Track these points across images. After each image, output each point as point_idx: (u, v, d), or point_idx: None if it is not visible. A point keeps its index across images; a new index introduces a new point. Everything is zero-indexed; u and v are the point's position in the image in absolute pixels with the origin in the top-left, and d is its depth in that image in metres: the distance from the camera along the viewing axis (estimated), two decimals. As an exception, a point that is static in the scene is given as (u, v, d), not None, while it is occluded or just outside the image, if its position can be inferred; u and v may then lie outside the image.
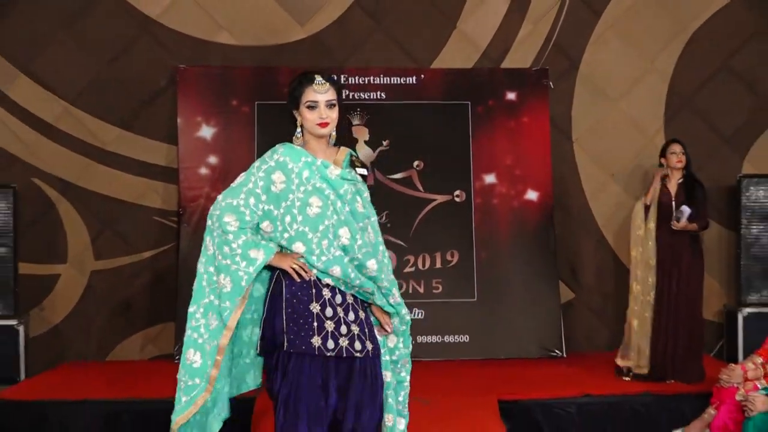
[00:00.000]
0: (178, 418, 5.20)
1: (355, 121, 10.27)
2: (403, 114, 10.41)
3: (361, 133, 10.38)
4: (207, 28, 10.68)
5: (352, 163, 5.18)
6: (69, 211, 10.55)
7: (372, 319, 5.19)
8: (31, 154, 10.50)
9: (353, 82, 10.54)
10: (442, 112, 10.59)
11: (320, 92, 5.06)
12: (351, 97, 10.44)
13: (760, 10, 10.80)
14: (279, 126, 10.50)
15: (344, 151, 5.19)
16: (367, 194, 5.19)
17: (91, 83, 10.57)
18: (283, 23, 10.74)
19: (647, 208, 8.87)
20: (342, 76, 10.45)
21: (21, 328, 9.91)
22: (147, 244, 10.65)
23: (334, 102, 5.12)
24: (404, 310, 5.22)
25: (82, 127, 10.55)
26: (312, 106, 5.06)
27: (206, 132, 10.48)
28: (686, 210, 8.61)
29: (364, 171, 5.15)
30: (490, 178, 10.55)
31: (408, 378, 5.36)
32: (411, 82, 10.62)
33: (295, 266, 4.92)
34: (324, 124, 5.07)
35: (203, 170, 10.43)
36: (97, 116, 10.57)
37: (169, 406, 8.34)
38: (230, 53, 10.71)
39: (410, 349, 5.37)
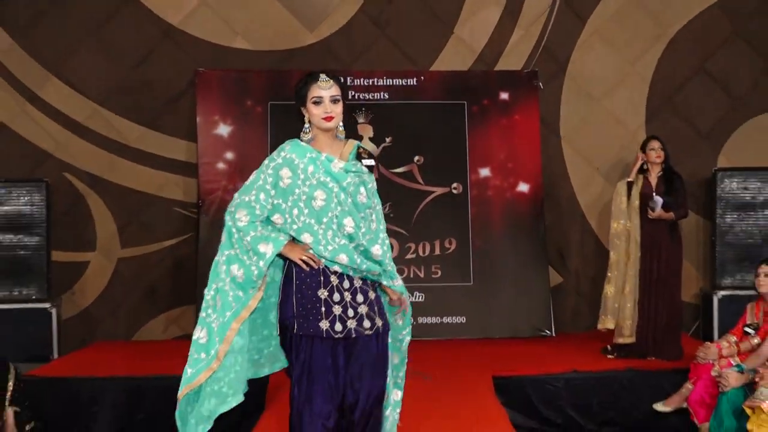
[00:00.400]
0: (183, 388, 5.34)
1: (360, 120, 10.26)
2: (404, 113, 10.40)
3: (366, 131, 10.37)
4: (224, 35, 10.68)
5: (359, 155, 5.16)
6: (97, 203, 10.56)
7: (383, 299, 5.19)
8: (62, 150, 10.52)
9: (359, 83, 10.53)
10: (440, 111, 10.57)
11: (324, 88, 5.06)
12: (356, 97, 10.44)
13: (733, 17, 10.78)
14: (290, 124, 10.54)
15: (351, 144, 5.17)
16: (372, 184, 5.16)
17: (117, 85, 10.58)
18: (293, 30, 10.73)
19: (630, 186, 8.88)
20: (348, 78, 10.46)
21: (53, 311, 9.91)
22: (169, 233, 10.66)
23: (338, 97, 5.11)
24: (405, 294, 5.23)
25: (110, 126, 10.56)
26: (317, 102, 5.06)
27: (223, 130, 10.47)
28: (659, 200, 8.61)
29: (370, 162, 5.13)
30: (484, 172, 10.54)
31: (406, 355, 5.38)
32: (412, 83, 10.61)
33: (303, 258, 4.93)
34: (329, 118, 5.07)
35: (220, 165, 10.43)
36: (123, 116, 10.58)
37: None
38: (245, 57, 10.70)
39: (410, 328, 5.38)
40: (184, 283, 10.58)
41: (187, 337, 10.06)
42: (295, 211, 5.01)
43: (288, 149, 5.09)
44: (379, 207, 5.25)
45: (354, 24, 10.75)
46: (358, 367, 5.02)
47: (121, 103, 10.59)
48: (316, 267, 4.96)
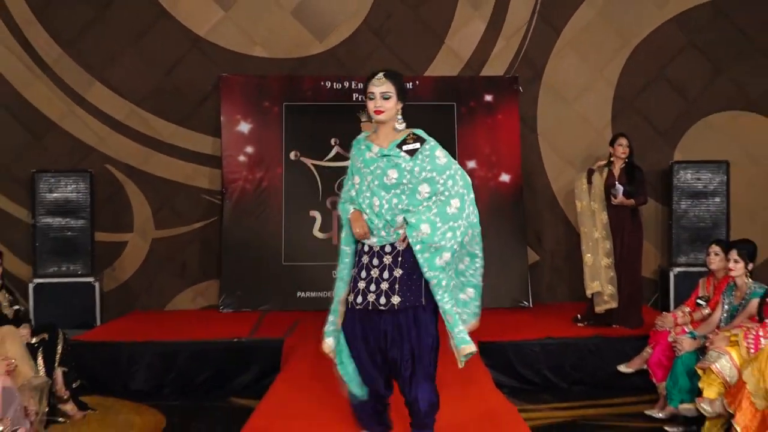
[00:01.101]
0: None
1: (363, 119, 10.20)
2: (401, 113, 10.33)
3: (368, 128, 10.32)
4: (244, 44, 10.65)
5: (405, 142, 5.15)
6: (134, 191, 10.55)
7: (413, 277, 5.09)
8: (104, 145, 10.50)
9: (361, 87, 10.47)
10: (433, 111, 10.49)
11: (376, 85, 5.11)
12: (359, 99, 10.39)
13: (687, 30, 10.73)
14: (302, 123, 10.59)
15: (403, 133, 5.20)
16: (408, 165, 5.08)
17: (152, 89, 10.56)
18: (305, 40, 10.69)
19: (591, 173, 8.92)
20: (353, 83, 10.46)
21: (97, 284, 9.94)
22: (196, 216, 10.64)
23: (389, 94, 5.13)
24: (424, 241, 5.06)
25: (145, 124, 10.54)
26: (370, 97, 5.13)
27: (244, 127, 10.45)
28: (620, 188, 8.67)
29: (412, 146, 5.11)
30: (471, 164, 10.49)
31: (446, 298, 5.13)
32: (408, 87, 10.55)
33: (357, 231, 5.11)
34: (378, 112, 5.13)
35: (241, 157, 10.41)
36: (157, 115, 10.57)
37: (214, 346, 8.41)
38: (263, 64, 10.67)
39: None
40: (209, 260, 10.61)
41: (212, 307, 10.23)
42: (353, 192, 5.21)
43: (353, 144, 5.32)
44: (441, 184, 5.12)
45: (358, 35, 10.71)
46: (384, 335, 5.07)
47: (155, 104, 10.57)
48: (367, 239, 5.11)
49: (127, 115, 10.54)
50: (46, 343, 7.09)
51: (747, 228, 10.30)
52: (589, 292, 8.86)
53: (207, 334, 8.67)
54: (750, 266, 6.83)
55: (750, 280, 6.83)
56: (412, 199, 5.07)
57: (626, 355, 8.00)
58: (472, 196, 5.19)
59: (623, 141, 8.85)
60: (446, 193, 5.08)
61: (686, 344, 6.85)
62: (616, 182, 8.73)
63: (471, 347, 5.05)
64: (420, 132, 5.25)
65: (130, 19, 10.53)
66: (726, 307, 6.99)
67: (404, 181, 5.07)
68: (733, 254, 6.86)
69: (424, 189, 5.07)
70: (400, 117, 5.26)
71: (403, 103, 5.26)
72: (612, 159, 8.90)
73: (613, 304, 8.74)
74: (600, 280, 8.79)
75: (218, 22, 10.61)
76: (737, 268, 6.84)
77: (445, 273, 5.07)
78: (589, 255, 8.88)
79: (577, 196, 9.03)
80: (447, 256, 5.05)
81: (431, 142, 5.22)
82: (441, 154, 5.18)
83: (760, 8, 10.78)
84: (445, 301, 5.05)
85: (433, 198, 5.08)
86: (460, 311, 5.15)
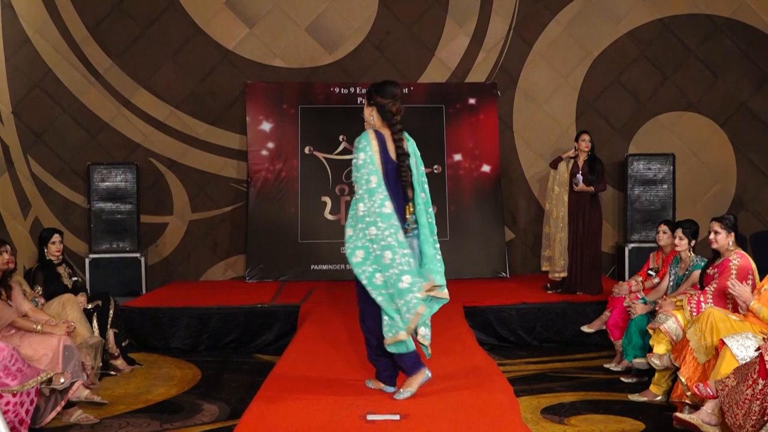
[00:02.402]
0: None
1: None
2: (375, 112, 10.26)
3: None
4: (266, 56, 10.58)
5: None
6: (174, 180, 10.51)
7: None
8: (148, 141, 10.46)
9: (365, 92, 10.41)
10: (425, 113, 10.46)
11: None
12: (362, 102, 10.31)
13: (639, 43, 10.68)
14: (315, 123, 10.54)
15: None
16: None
17: (188, 93, 10.51)
18: (317, 53, 10.64)
19: (559, 159, 8.95)
20: (357, 88, 10.44)
21: (142, 259, 9.92)
22: (226, 201, 10.60)
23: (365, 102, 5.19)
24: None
25: (183, 124, 10.49)
26: None
27: (266, 126, 10.40)
28: (579, 177, 8.69)
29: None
30: (457, 157, 10.47)
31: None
32: (404, 92, 10.50)
33: None
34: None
35: (263, 152, 10.37)
36: (193, 116, 10.52)
37: (241, 311, 8.38)
38: (282, 73, 10.61)
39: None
40: (237, 238, 10.57)
41: (240, 278, 10.21)
42: None
43: None
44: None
45: (361, 49, 10.65)
46: None
47: (191, 107, 10.52)
48: None
49: (167, 117, 10.50)
50: (99, 308, 7.08)
51: (689, 210, 10.34)
52: (543, 256, 9.01)
53: (235, 301, 8.65)
54: (693, 243, 6.82)
55: (693, 254, 6.83)
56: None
57: (588, 317, 7.98)
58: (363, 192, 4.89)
59: (586, 137, 8.81)
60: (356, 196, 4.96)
61: (639, 308, 6.84)
62: (579, 173, 8.72)
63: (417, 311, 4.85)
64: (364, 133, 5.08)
65: (170, 35, 10.49)
66: (672, 277, 6.99)
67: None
68: (679, 232, 6.85)
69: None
70: (371, 118, 5.12)
71: (373, 105, 5.11)
72: (577, 152, 8.87)
73: (564, 274, 8.79)
74: (553, 250, 8.85)
75: (244, 37, 10.56)
76: (682, 244, 6.83)
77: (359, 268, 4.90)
78: (547, 227, 9.00)
79: (549, 184, 9.05)
80: (360, 253, 4.87)
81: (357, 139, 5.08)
82: (354, 153, 5.04)
83: (699, 25, 10.73)
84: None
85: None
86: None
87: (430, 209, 5.22)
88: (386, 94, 5.10)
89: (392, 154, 5.07)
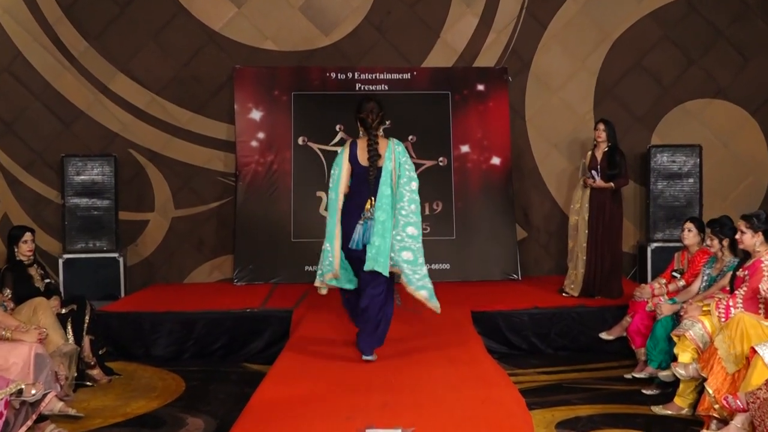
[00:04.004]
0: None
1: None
2: (400, 101, 10.24)
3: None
4: (256, 38, 10.58)
5: None
6: (155, 173, 10.52)
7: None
8: (127, 131, 10.48)
9: (363, 77, 10.47)
10: (429, 100, 10.49)
11: None
12: (361, 88, 10.37)
13: (662, 24, 10.68)
14: (309, 111, 10.55)
15: None
16: None
17: (171, 79, 10.52)
18: (312, 35, 10.63)
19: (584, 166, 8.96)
20: (356, 73, 10.45)
21: (121, 259, 9.93)
22: (212, 197, 10.61)
23: None
24: None
25: (165, 112, 10.50)
26: None
27: (255, 115, 10.41)
28: (594, 174, 8.68)
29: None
30: (465, 148, 10.47)
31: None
32: (406, 77, 10.53)
33: None
34: None
35: (253, 143, 10.37)
36: (176, 103, 10.53)
37: (229, 316, 8.40)
38: (273, 56, 10.62)
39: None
40: (224, 237, 10.60)
41: (227, 280, 10.23)
42: None
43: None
44: None
45: (360, 30, 10.65)
46: None
47: (174, 93, 10.53)
48: None
49: (148, 104, 10.50)
50: (74, 313, 7.09)
51: (718, 207, 10.29)
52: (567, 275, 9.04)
53: (222, 305, 8.66)
54: (725, 242, 6.79)
55: (730, 253, 6.78)
56: None
57: (607, 323, 8.00)
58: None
59: (600, 126, 8.82)
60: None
61: (666, 308, 6.84)
62: (596, 167, 8.70)
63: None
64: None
65: (151, 14, 10.48)
66: (705, 278, 7.00)
67: None
68: (709, 233, 6.89)
69: None
70: (360, 131, 6.54)
71: (357, 120, 6.50)
72: (595, 143, 8.86)
73: (574, 294, 8.81)
74: (575, 263, 8.84)
75: (232, 17, 10.56)
76: (714, 245, 6.89)
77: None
78: (570, 241, 8.99)
79: (574, 196, 9.04)
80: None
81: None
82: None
83: (727, 4, 10.74)
84: None
85: None
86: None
87: (406, 208, 6.34)
88: (363, 110, 6.40)
89: (362, 160, 6.35)
